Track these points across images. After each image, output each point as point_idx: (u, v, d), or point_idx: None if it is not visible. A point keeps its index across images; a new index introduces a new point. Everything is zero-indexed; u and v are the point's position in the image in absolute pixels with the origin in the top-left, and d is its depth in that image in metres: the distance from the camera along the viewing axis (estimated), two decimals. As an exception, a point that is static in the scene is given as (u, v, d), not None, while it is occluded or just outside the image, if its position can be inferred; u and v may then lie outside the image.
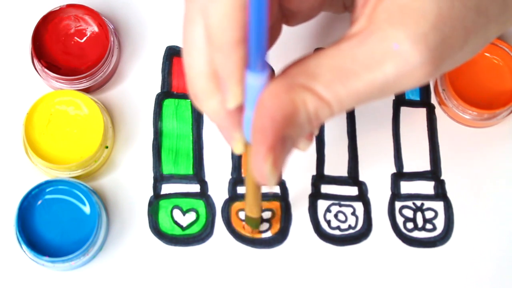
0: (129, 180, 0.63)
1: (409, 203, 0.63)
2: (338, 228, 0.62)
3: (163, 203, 0.62)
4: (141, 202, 0.62)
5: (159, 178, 0.63)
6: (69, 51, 0.63)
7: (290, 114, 0.44)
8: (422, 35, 0.43)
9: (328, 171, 0.63)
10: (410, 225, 0.62)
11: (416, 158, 0.64)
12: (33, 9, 0.65)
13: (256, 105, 0.45)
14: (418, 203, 0.63)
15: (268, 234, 0.62)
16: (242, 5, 0.43)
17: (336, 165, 0.63)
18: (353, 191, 0.63)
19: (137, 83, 0.64)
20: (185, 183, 0.63)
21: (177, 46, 0.65)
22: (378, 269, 0.61)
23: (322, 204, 0.63)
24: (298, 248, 0.62)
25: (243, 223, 0.62)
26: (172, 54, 0.65)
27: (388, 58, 0.44)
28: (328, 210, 0.63)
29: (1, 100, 0.64)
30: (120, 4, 0.66)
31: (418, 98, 0.65)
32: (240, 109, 0.46)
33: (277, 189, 0.63)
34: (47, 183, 0.60)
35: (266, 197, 0.62)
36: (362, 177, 0.63)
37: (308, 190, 0.63)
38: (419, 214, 0.63)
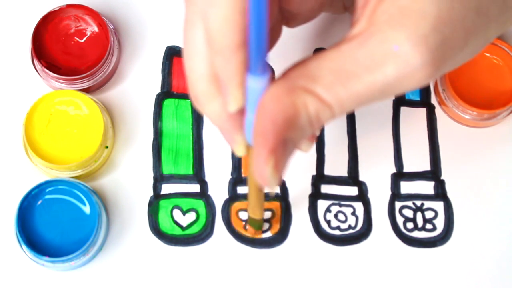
0: (129, 180, 0.63)
1: (409, 203, 0.63)
2: (338, 228, 0.62)
3: (163, 203, 0.62)
4: (141, 202, 0.62)
5: (159, 178, 0.63)
6: (69, 51, 0.63)
7: (291, 117, 0.44)
8: (422, 37, 0.43)
9: (328, 171, 0.63)
10: (410, 225, 0.62)
11: (416, 158, 0.64)
12: (33, 9, 0.65)
13: (257, 108, 0.45)
14: (418, 203, 0.63)
15: (268, 234, 0.62)
16: (242, 8, 0.43)
17: (336, 165, 0.63)
18: (353, 191, 0.63)
19: (137, 83, 0.64)
20: (185, 183, 0.63)
21: (177, 46, 0.65)
22: (378, 269, 0.61)
23: (322, 204, 0.63)
24: (298, 248, 0.62)
25: (243, 223, 0.62)
26: (172, 54, 0.65)
27: (389, 59, 0.44)
28: (328, 210, 0.63)
29: (1, 100, 0.64)
30: (120, 4, 0.65)
31: (418, 98, 0.65)
32: (242, 111, 0.46)
33: (277, 189, 0.63)
34: (47, 183, 0.60)
35: (267, 197, 0.62)
36: (362, 177, 0.63)
37: (308, 190, 0.63)
38: (419, 214, 0.63)
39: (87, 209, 0.60)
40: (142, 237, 0.62)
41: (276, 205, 0.62)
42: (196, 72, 0.47)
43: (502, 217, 0.63)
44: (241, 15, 0.43)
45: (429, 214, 0.63)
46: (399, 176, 0.63)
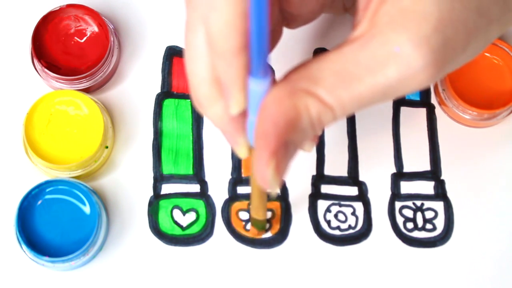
0: (129, 180, 0.63)
1: (409, 203, 0.63)
2: (338, 228, 0.62)
3: (163, 203, 0.62)
4: (141, 202, 0.62)
5: (159, 178, 0.63)
6: (69, 51, 0.63)
7: (293, 119, 0.44)
8: (424, 38, 0.43)
9: (328, 171, 0.63)
10: (410, 225, 0.62)
11: (416, 158, 0.64)
12: (33, 9, 0.65)
13: (259, 110, 0.45)
14: (418, 203, 0.63)
15: (268, 234, 0.62)
16: (243, 12, 0.43)
17: (336, 165, 0.63)
18: (353, 191, 0.63)
19: (137, 83, 0.64)
20: (185, 183, 0.63)
21: (177, 46, 0.65)
22: (378, 269, 0.61)
23: (322, 204, 0.63)
24: (298, 248, 0.62)
25: (243, 223, 0.62)
26: (172, 54, 0.65)
27: (391, 61, 0.44)
28: (328, 210, 0.63)
29: (1, 100, 0.64)
30: (120, 4, 0.65)
31: (418, 98, 0.65)
32: (244, 114, 0.46)
33: (278, 191, 0.63)
34: (47, 183, 0.60)
35: (268, 198, 0.62)
36: (362, 177, 0.63)
37: (308, 190, 0.63)
38: (419, 214, 0.63)
39: (87, 209, 0.60)
40: (142, 237, 0.62)
41: (276, 205, 0.62)
42: (198, 75, 0.47)
43: (502, 217, 0.63)
44: (242, 18, 0.43)
45: (429, 214, 0.63)
46: (399, 176, 0.63)
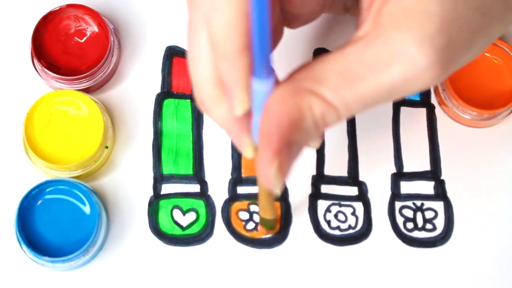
0: (129, 180, 0.63)
1: (409, 203, 0.63)
2: (338, 228, 0.62)
3: (163, 203, 0.62)
4: (141, 202, 0.62)
5: (159, 178, 0.63)
6: (69, 51, 0.63)
7: (296, 119, 0.44)
8: (428, 38, 0.43)
9: (328, 171, 0.63)
10: (410, 225, 0.62)
11: (416, 158, 0.64)
12: (33, 9, 0.65)
13: (263, 110, 0.45)
14: (418, 203, 0.63)
15: (268, 234, 0.62)
16: (245, 13, 0.43)
17: (336, 165, 0.63)
18: (353, 191, 0.63)
19: (137, 83, 0.64)
20: (185, 183, 0.63)
21: (177, 46, 0.65)
22: (378, 269, 0.61)
23: (322, 204, 0.63)
24: (298, 248, 0.62)
25: (243, 223, 0.62)
26: (172, 54, 0.65)
27: (395, 61, 0.43)
28: (328, 210, 0.63)
29: (1, 100, 0.64)
30: (120, 4, 0.65)
31: (418, 98, 0.65)
32: (249, 114, 0.46)
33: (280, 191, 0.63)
34: (47, 183, 0.60)
35: None
36: (362, 177, 0.63)
37: (308, 190, 0.63)
38: (419, 214, 0.63)
39: (87, 209, 0.60)
40: (142, 237, 0.62)
41: (276, 205, 0.62)
42: (201, 76, 0.47)
43: (502, 217, 0.63)
44: (244, 19, 0.43)
45: (429, 214, 0.63)
46: (399, 176, 0.63)
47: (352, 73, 0.44)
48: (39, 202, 0.60)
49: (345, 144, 0.64)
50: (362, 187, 0.63)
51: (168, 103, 0.64)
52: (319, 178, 0.63)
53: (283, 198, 0.63)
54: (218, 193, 0.63)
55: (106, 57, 0.62)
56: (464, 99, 0.62)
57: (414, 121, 0.64)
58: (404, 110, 0.64)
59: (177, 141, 0.63)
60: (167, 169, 0.63)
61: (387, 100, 0.45)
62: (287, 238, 0.62)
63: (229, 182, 0.63)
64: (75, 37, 0.63)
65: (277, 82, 0.45)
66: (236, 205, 0.62)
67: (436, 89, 0.65)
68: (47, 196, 0.60)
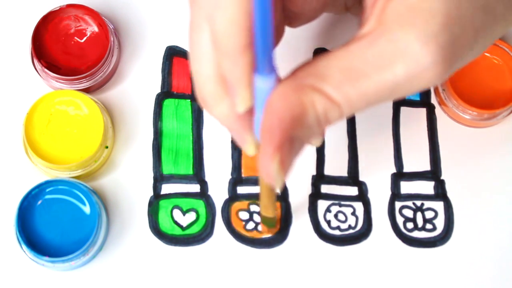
0: (129, 180, 0.63)
1: (409, 203, 0.63)
2: (338, 228, 0.62)
3: (163, 203, 0.62)
4: (141, 202, 0.62)
5: (159, 178, 0.63)
6: (69, 51, 0.63)
7: (299, 115, 0.44)
8: (432, 36, 0.43)
9: (328, 171, 0.63)
10: (410, 225, 0.62)
11: (416, 158, 0.64)
12: (33, 9, 0.65)
13: (265, 106, 0.45)
14: (418, 203, 0.63)
15: (268, 234, 0.62)
16: (247, 10, 0.43)
17: (336, 165, 0.63)
18: (353, 191, 0.63)
19: (137, 83, 0.64)
20: (185, 183, 0.63)
21: (177, 46, 0.65)
22: (378, 269, 0.61)
23: (322, 204, 0.63)
24: (298, 248, 0.62)
25: (243, 223, 0.62)
26: (172, 54, 0.65)
27: (398, 59, 0.44)
28: (328, 210, 0.63)
29: (1, 100, 0.64)
30: (120, 4, 0.65)
31: (418, 98, 0.65)
32: (250, 112, 0.46)
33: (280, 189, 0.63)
34: (47, 183, 0.60)
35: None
36: (362, 177, 0.63)
37: (308, 190, 0.63)
38: (419, 214, 0.63)
39: (87, 209, 0.60)
40: (142, 237, 0.62)
41: (276, 205, 0.62)
42: (203, 74, 0.47)
43: (502, 217, 0.63)
44: (247, 16, 0.43)
45: (429, 214, 0.63)
46: (399, 176, 0.63)
47: (355, 70, 0.44)
48: (39, 202, 0.60)
49: (345, 144, 0.64)
50: (362, 187, 0.63)
51: (168, 103, 0.64)
52: (319, 178, 0.63)
53: (283, 198, 0.63)
54: (218, 193, 0.63)
55: (106, 57, 0.62)
56: (464, 99, 0.62)
57: (414, 121, 0.64)
58: (404, 110, 0.64)
59: (177, 141, 0.63)
60: (167, 169, 0.63)
61: (390, 98, 0.45)
62: (287, 238, 0.62)
63: (229, 182, 0.63)
64: (75, 37, 0.63)
65: (279, 80, 0.45)
66: (236, 205, 0.62)
67: (436, 89, 0.65)
68: (47, 196, 0.60)
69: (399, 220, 0.62)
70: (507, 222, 0.62)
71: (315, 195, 0.63)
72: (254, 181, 0.63)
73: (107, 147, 0.62)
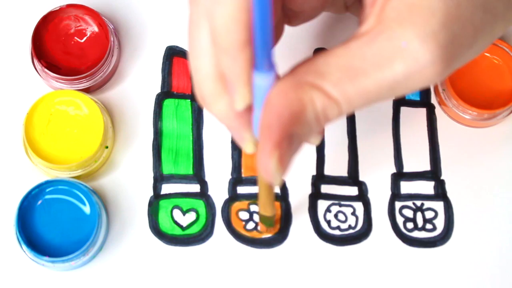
0: (129, 180, 0.63)
1: (409, 203, 0.63)
2: (338, 228, 0.62)
3: (163, 203, 0.62)
4: (141, 202, 0.62)
5: (159, 178, 0.63)
6: (69, 51, 0.63)
7: (298, 112, 0.44)
8: (431, 34, 0.43)
9: (328, 171, 0.63)
10: (410, 225, 0.62)
11: (416, 158, 0.64)
12: (33, 9, 0.65)
13: (264, 103, 0.45)
14: (418, 203, 0.63)
15: (268, 234, 0.62)
16: (247, 7, 0.43)
17: (336, 165, 0.63)
18: (353, 191, 0.63)
19: (137, 83, 0.64)
20: (185, 183, 0.63)
21: (177, 46, 0.65)
22: (378, 269, 0.61)
23: (322, 204, 0.63)
24: (298, 248, 0.62)
25: (243, 223, 0.62)
26: (172, 54, 0.65)
27: (398, 57, 0.44)
28: (328, 210, 0.63)
29: (1, 100, 0.64)
30: (120, 4, 0.66)
31: (418, 98, 0.65)
32: (249, 109, 0.46)
33: (277, 189, 0.63)
34: (47, 183, 0.60)
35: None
36: (362, 177, 0.63)
37: (308, 190, 0.63)
38: (419, 214, 0.63)
39: (87, 209, 0.60)
40: (142, 237, 0.62)
41: (276, 205, 0.62)
42: (202, 71, 0.47)
43: (502, 217, 0.63)
44: (246, 13, 0.43)
45: (429, 214, 0.63)
46: (399, 176, 0.63)
47: (354, 68, 0.44)
48: (39, 202, 0.60)
49: (345, 144, 0.64)
50: (362, 187, 0.63)
51: (168, 103, 0.64)
52: (319, 178, 0.63)
53: (283, 198, 0.63)
54: (218, 193, 0.63)
55: (106, 57, 0.62)
56: (464, 99, 0.62)
57: (414, 121, 0.64)
58: (404, 110, 0.64)
59: (177, 141, 0.63)
60: (167, 169, 0.63)
61: (389, 96, 0.45)
62: (287, 238, 0.62)
63: (229, 182, 0.63)
64: (75, 37, 0.63)
65: (278, 78, 0.45)
66: (236, 205, 0.62)
67: (436, 89, 0.65)
68: (47, 196, 0.60)
69: (399, 220, 0.62)
70: (507, 222, 0.62)
71: (315, 195, 0.63)
72: (254, 181, 0.63)
73: (107, 147, 0.62)
